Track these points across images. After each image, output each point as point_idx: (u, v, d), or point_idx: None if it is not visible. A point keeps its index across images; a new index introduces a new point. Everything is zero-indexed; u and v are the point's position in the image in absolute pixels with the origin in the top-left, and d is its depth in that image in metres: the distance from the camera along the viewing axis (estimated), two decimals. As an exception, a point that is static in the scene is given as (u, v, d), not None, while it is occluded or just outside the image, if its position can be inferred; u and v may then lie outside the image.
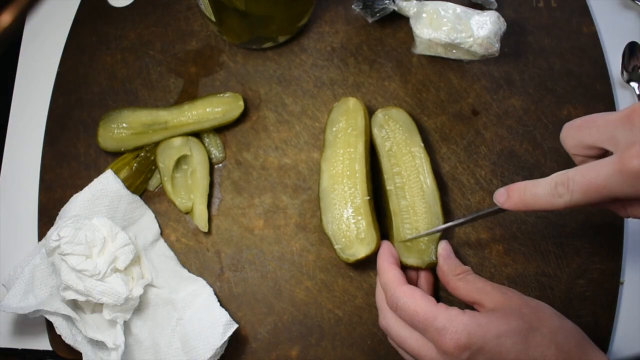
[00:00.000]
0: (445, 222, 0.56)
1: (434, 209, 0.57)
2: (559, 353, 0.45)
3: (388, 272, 0.52)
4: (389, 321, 0.50)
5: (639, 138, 0.38)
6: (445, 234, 0.57)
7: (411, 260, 0.55)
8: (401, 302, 0.49)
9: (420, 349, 0.47)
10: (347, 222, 0.56)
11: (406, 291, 0.49)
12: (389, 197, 0.58)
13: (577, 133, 0.43)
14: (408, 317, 0.48)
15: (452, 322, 0.46)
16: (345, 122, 0.60)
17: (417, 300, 0.48)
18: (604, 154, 0.42)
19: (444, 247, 0.55)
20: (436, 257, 0.55)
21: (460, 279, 0.52)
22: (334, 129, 0.60)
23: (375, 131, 0.61)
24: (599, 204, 0.41)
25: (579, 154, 0.43)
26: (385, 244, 0.55)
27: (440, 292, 0.57)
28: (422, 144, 0.59)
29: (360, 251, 0.55)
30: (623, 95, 0.66)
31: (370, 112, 0.62)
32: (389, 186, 0.58)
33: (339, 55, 0.66)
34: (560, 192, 0.42)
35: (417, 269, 0.56)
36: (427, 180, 0.58)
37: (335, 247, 0.56)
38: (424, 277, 0.56)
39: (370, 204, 0.57)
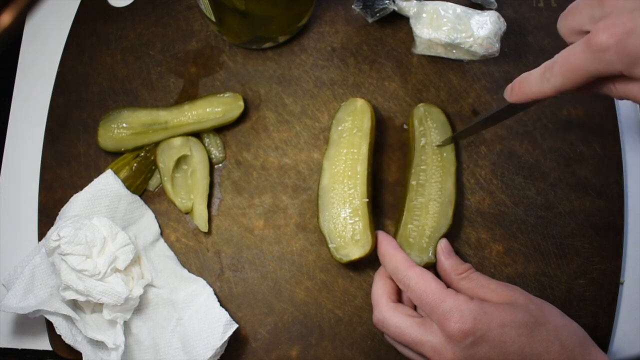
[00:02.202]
0: (451, 226, 0.56)
1: (446, 212, 0.57)
2: (563, 350, 0.46)
3: (396, 255, 0.53)
4: (386, 314, 0.50)
5: (608, 12, 0.38)
6: (445, 235, 0.57)
7: (411, 257, 0.55)
8: (413, 282, 0.50)
9: (421, 336, 0.48)
10: (344, 223, 0.56)
11: (418, 272, 0.50)
12: (408, 191, 0.58)
13: (566, 20, 0.43)
14: (417, 297, 0.49)
15: (459, 306, 0.46)
16: (352, 123, 0.60)
17: (428, 281, 0.49)
18: None
19: (444, 245, 0.55)
20: (435, 257, 0.55)
21: (463, 277, 0.52)
22: (340, 128, 0.60)
23: (416, 123, 0.61)
24: (586, 86, 0.42)
25: (575, 42, 0.43)
26: (382, 233, 0.55)
27: (440, 292, 0.57)
28: (454, 149, 0.59)
29: (355, 252, 0.55)
30: (623, 95, 0.66)
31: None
32: (413, 181, 0.59)
33: (339, 55, 0.66)
34: (548, 77, 0.42)
35: None
36: (448, 183, 0.58)
37: (330, 245, 0.56)
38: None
39: (369, 207, 0.57)
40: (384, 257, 0.54)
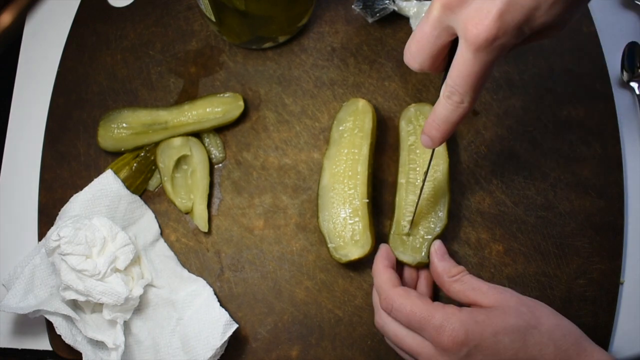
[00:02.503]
0: (446, 226, 0.56)
1: (439, 211, 0.57)
2: (557, 351, 0.46)
3: (383, 274, 0.52)
4: (386, 320, 0.50)
5: (467, 15, 0.38)
6: (445, 235, 0.57)
7: (404, 256, 0.55)
8: (397, 304, 0.49)
9: (418, 347, 0.47)
10: (344, 223, 0.56)
11: (401, 292, 0.49)
12: (398, 189, 0.58)
13: (418, 56, 0.43)
14: (404, 318, 0.48)
15: (449, 319, 0.46)
16: (353, 123, 0.60)
17: (413, 300, 0.48)
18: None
19: (437, 247, 0.54)
20: (428, 257, 0.55)
21: (455, 280, 0.51)
22: (341, 128, 0.60)
23: (403, 124, 0.61)
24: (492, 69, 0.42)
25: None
26: (383, 247, 0.55)
27: (440, 292, 0.57)
28: (446, 146, 0.59)
29: (354, 253, 0.55)
30: (623, 95, 0.66)
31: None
32: (401, 179, 0.58)
33: (339, 55, 0.66)
34: (458, 100, 0.42)
35: (409, 266, 0.56)
36: (442, 182, 0.58)
37: (329, 245, 0.56)
38: (424, 277, 0.56)
39: (369, 208, 0.57)
40: (374, 273, 0.54)
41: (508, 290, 0.49)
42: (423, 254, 0.55)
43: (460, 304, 0.49)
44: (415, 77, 0.65)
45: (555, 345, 0.46)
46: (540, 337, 0.46)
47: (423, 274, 0.56)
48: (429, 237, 0.56)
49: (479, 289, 0.50)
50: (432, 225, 0.56)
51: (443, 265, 0.53)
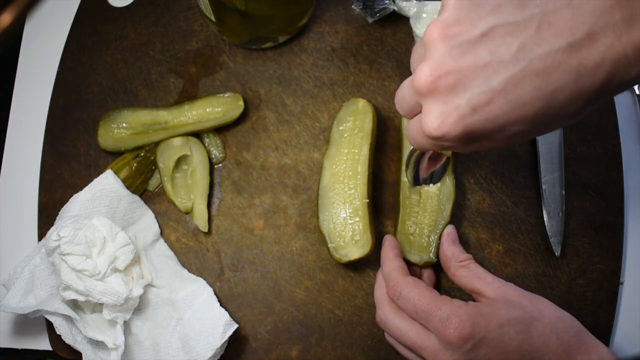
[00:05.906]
0: (448, 225, 0.56)
1: (443, 209, 0.57)
2: (559, 342, 0.46)
3: (393, 262, 0.52)
4: (388, 315, 0.50)
5: (428, 108, 0.38)
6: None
7: (411, 256, 0.55)
8: (405, 291, 0.49)
9: (421, 341, 0.48)
10: (344, 223, 0.56)
11: (410, 281, 0.50)
12: (402, 188, 0.58)
13: (399, 108, 0.44)
14: (411, 306, 0.48)
15: (456, 312, 0.46)
16: (353, 123, 0.60)
17: (421, 290, 0.49)
18: None
19: (450, 231, 0.55)
20: (434, 257, 0.55)
21: (462, 265, 0.52)
22: (341, 128, 0.60)
23: (405, 122, 0.61)
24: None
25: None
26: (390, 237, 0.56)
27: (441, 292, 0.57)
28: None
29: (354, 253, 0.55)
30: (623, 95, 0.66)
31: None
32: (404, 177, 0.58)
33: (339, 55, 0.66)
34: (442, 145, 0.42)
35: (416, 266, 0.56)
36: (447, 180, 0.58)
37: (329, 245, 0.56)
38: (426, 275, 0.56)
39: (369, 208, 0.57)
40: (383, 260, 0.54)
41: (510, 285, 0.50)
42: (430, 253, 0.55)
43: (465, 295, 0.49)
44: (415, 77, 0.65)
45: (557, 336, 0.46)
46: (544, 329, 0.46)
47: (426, 272, 0.57)
48: (435, 236, 0.56)
49: (484, 278, 0.50)
50: (435, 226, 0.56)
51: (452, 250, 0.53)
